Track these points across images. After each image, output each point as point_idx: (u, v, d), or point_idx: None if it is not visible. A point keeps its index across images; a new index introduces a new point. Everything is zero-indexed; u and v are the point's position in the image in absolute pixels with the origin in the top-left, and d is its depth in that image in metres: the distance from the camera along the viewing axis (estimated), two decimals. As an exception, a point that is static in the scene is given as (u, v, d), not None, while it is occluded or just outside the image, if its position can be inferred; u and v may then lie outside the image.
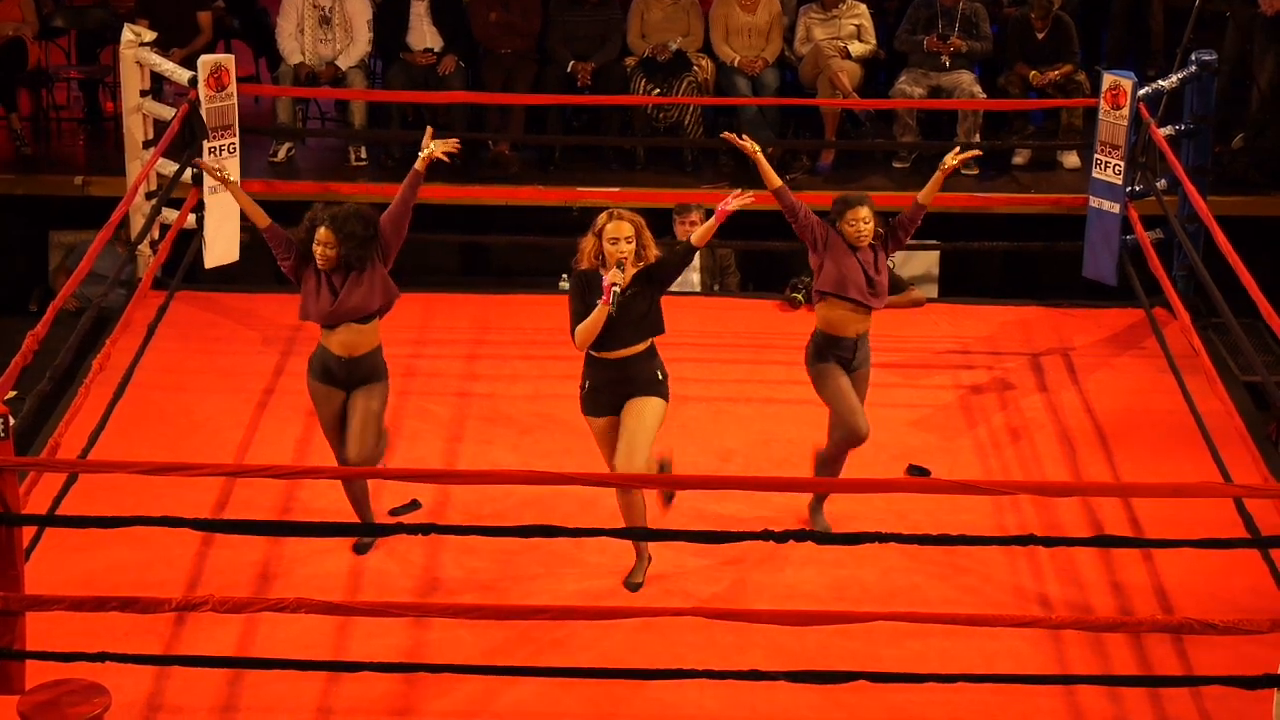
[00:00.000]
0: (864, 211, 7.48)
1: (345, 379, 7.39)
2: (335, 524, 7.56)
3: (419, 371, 9.18)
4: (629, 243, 6.97)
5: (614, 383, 7.11)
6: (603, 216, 7.03)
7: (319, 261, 7.24)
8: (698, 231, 7.13)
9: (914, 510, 7.75)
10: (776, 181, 7.58)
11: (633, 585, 7.29)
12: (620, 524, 7.11)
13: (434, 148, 7.43)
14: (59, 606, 6.11)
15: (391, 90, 11.46)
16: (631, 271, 7.01)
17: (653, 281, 7.08)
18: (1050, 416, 8.90)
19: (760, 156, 7.56)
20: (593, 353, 7.11)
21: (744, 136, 7.69)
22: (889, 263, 7.67)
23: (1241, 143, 11.41)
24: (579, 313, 7.04)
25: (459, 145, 7.58)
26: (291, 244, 7.31)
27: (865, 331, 7.58)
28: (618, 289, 6.89)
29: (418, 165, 7.39)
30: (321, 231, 7.20)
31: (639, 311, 7.03)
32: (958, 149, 7.76)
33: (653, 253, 7.08)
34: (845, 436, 7.58)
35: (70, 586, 6.63)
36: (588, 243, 7.05)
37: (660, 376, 7.15)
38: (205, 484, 7.77)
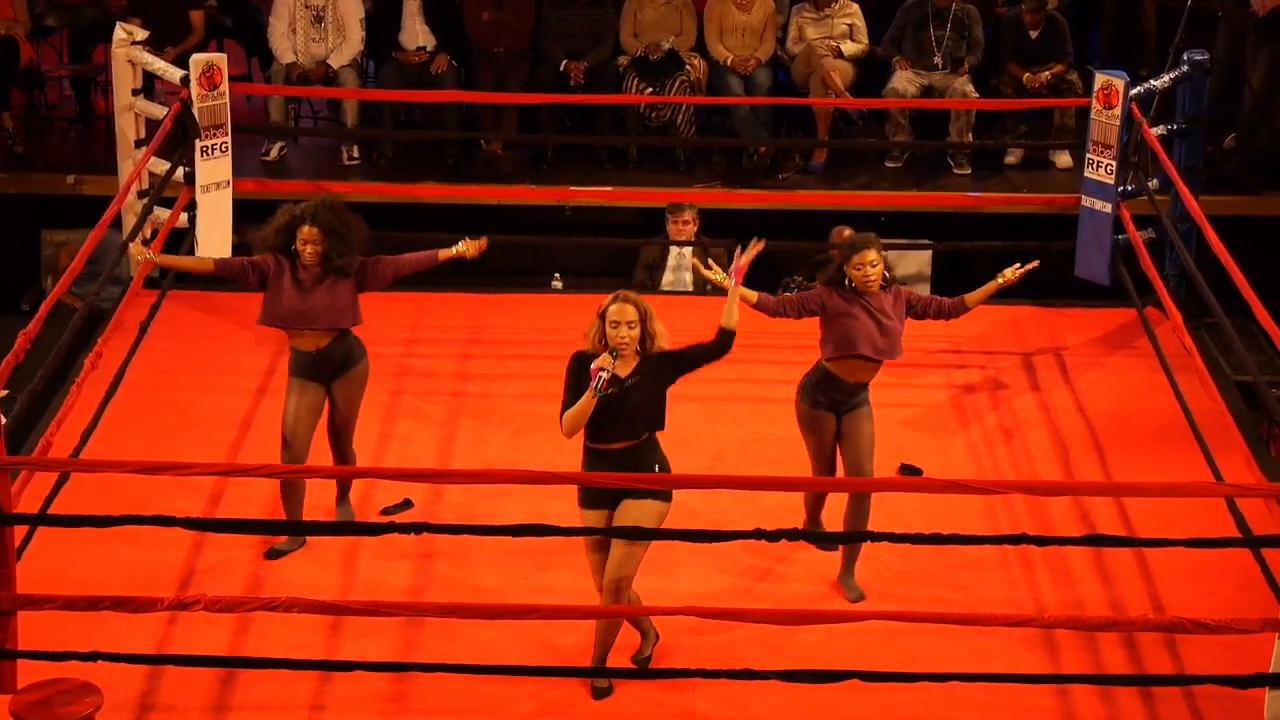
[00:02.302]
0: (871, 254, 7.21)
1: (322, 369, 7.44)
2: (327, 523, 7.59)
3: (412, 371, 9.18)
4: (630, 328, 6.53)
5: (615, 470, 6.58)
6: (609, 298, 6.62)
7: (307, 258, 7.28)
8: (727, 313, 6.70)
9: (906, 509, 7.75)
10: (753, 298, 7.31)
11: (641, 660, 6.86)
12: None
13: (463, 248, 7.51)
14: (51, 606, 6.11)
15: (384, 89, 11.46)
16: (633, 362, 6.61)
17: (666, 369, 6.65)
18: (1043, 416, 8.91)
19: (728, 284, 6.94)
20: (587, 443, 6.65)
21: (710, 264, 7.33)
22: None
23: (1233, 142, 11.42)
24: (571, 398, 6.59)
25: (485, 244, 7.63)
26: (246, 267, 7.40)
27: (869, 380, 7.35)
28: (605, 375, 6.45)
29: (440, 254, 7.52)
30: (305, 230, 7.26)
31: (635, 403, 6.57)
32: (1018, 265, 7.45)
33: (659, 344, 6.64)
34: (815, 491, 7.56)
35: (62, 586, 6.62)
36: (592, 325, 6.64)
37: (658, 472, 6.70)
38: (198, 483, 7.77)
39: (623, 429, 6.58)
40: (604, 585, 6.64)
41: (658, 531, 6.56)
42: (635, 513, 6.57)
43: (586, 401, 6.48)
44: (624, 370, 6.56)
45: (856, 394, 7.33)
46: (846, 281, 7.28)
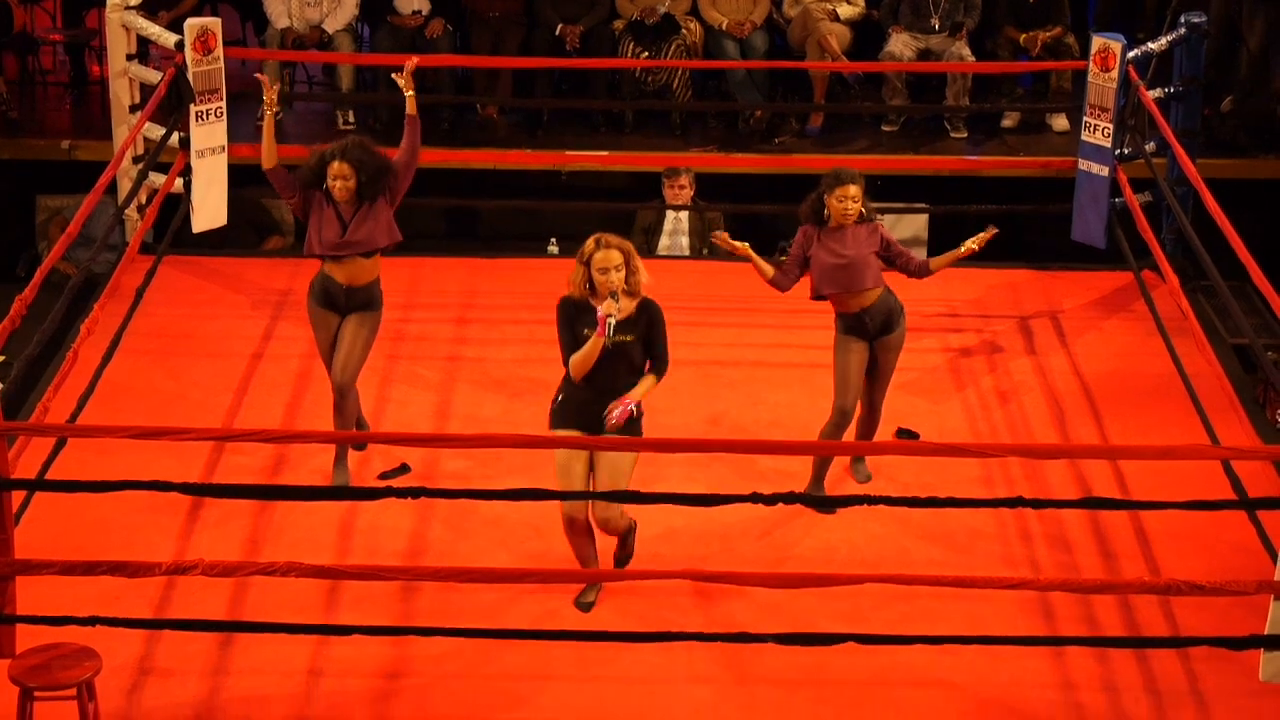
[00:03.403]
0: (854, 189, 7.48)
1: (344, 304, 7.68)
2: (324, 488, 7.59)
3: (407, 336, 9.17)
4: (618, 271, 6.64)
5: (589, 402, 6.80)
6: (589, 244, 6.71)
7: (338, 194, 7.53)
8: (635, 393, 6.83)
9: (902, 473, 7.77)
10: (769, 273, 7.67)
11: (584, 605, 7.01)
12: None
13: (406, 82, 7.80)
14: (49, 571, 6.12)
15: (379, 53, 11.43)
16: (630, 307, 6.73)
17: (649, 340, 6.83)
18: (1039, 379, 8.92)
19: (748, 251, 7.59)
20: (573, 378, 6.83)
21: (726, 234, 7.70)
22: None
23: (1230, 105, 11.39)
24: (569, 344, 6.76)
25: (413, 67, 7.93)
26: (294, 183, 7.65)
27: (875, 302, 7.55)
28: (612, 320, 6.61)
29: (410, 110, 7.75)
30: (335, 166, 7.52)
31: (631, 354, 6.77)
32: (981, 234, 7.69)
33: (642, 279, 6.76)
34: (835, 407, 7.64)
35: (60, 551, 6.63)
36: (576, 272, 6.74)
37: (637, 411, 6.83)
38: (194, 448, 7.77)
39: (613, 374, 6.77)
40: (599, 518, 6.86)
41: (656, 495, 6.56)
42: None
43: (594, 346, 6.65)
44: (624, 310, 6.71)
45: (869, 320, 7.56)
46: (825, 213, 7.54)
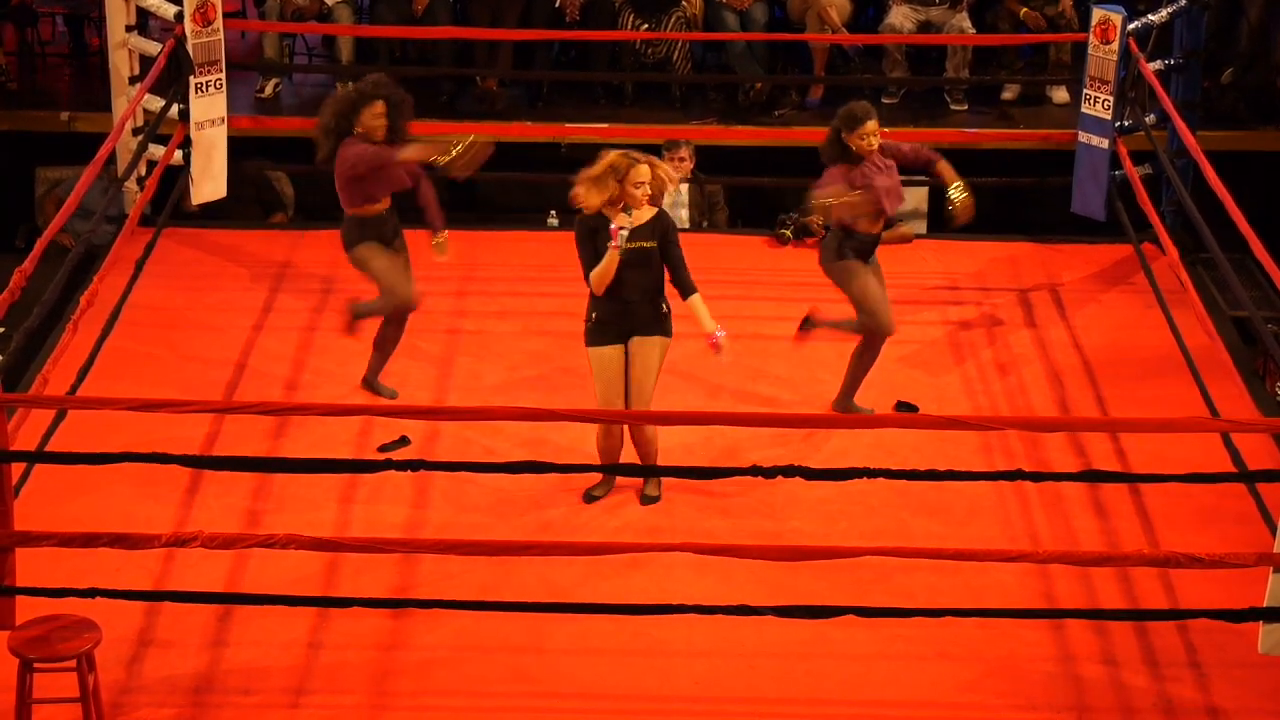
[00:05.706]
0: (872, 124, 7.75)
1: (387, 231, 8.14)
2: (324, 460, 7.57)
3: (407, 308, 9.16)
4: (651, 186, 7.17)
5: (619, 315, 7.28)
6: (622, 161, 7.17)
7: (377, 134, 7.88)
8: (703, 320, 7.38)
9: (902, 446, 7.77)
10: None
11: (591, 497, 7.52)
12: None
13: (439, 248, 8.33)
14: (49, 543, 6.13)
15: (379, 25, 11.40)
16: (648, 214, 7.20)
17: (663, 235, 7.30)
18: (1038, 352, 8.92)
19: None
20: (608, 292, 7.25)
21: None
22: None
23: (1230, 77, 11.38)
24: (590, 259, 7.22)
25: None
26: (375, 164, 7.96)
27: (878, 232, 7.90)
28: (625, 232, 7.07)
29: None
30: (378, 105, 7.90)
31: (654, 261, 7.25)
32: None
33: (638, 192, 7.21)
34: (876, 330, 7.90)
35: (60, 523, 6.64)
36: (603, 186, 7.17)
37: (665, 309, 7.35)
38: (194, 421, 7.78)
39: (637, 282, 7.23)
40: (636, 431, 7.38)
41: (657, 468, 6.56)
42: (645, 348, 7.30)
43: (611, 259, 7.11)
44: (640, 219, 7.18)
45: (875, 244, 7.91)
46: (852, 151, 7.77)
